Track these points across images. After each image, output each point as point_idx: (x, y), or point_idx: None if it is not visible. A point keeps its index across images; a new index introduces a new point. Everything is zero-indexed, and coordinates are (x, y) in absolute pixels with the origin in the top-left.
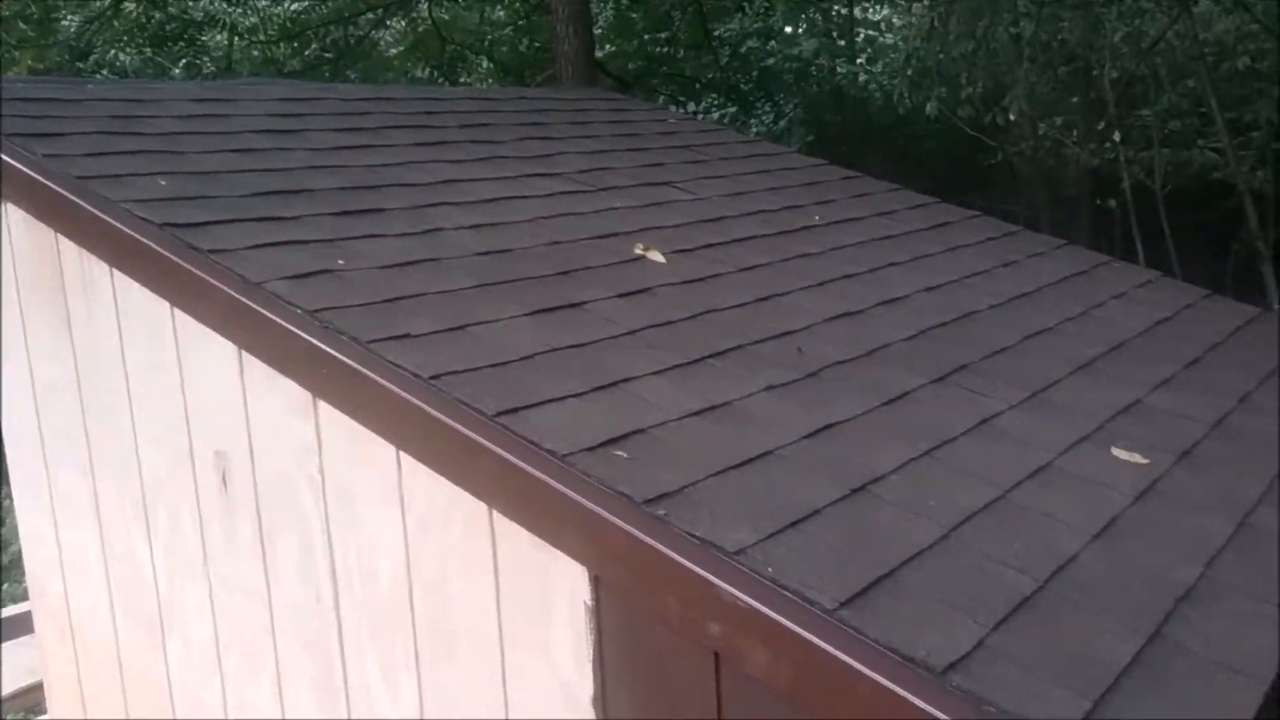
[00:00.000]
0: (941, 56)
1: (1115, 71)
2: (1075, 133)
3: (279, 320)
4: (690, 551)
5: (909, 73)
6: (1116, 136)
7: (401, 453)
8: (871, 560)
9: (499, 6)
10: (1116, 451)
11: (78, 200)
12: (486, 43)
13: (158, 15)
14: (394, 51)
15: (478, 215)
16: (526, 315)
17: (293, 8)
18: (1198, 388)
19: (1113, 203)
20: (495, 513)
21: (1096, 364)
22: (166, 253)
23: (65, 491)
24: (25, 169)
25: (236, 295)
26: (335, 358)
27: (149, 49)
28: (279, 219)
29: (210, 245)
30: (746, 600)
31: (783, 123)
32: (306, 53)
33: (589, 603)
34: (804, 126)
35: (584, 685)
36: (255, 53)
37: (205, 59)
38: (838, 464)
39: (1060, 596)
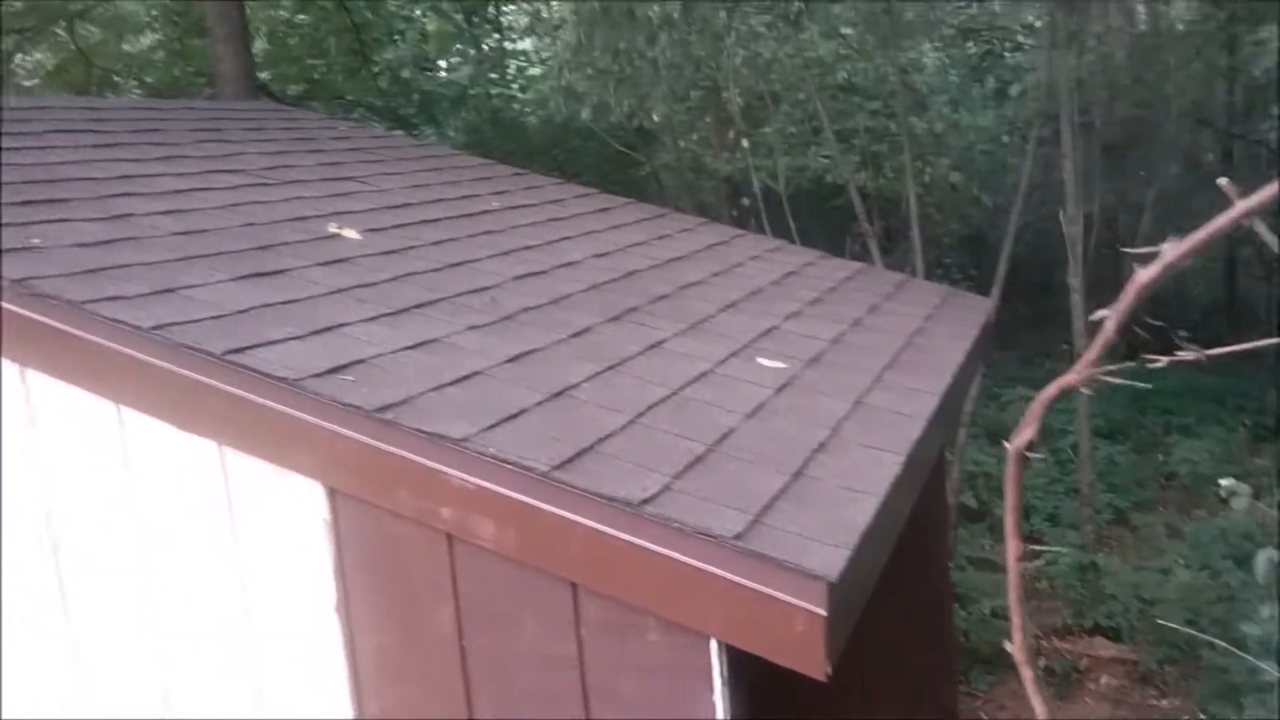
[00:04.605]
0: (590, 71)
1: (740, 93)
2: (710, 146)
3: None
4: (418, 447)
5: (563, 83)
6: (745, 144)
7: (123, 408)
8: (574, 439)
9: (149, 31)
10: (761, 360)
11: None
12: (136, 67)
13: None
14: (31, 84)
15: (168, 204)
16: (234, 280)
17: None
18: (820, 317)
19: (746, 201)
20: (226, 450)
21: (740, 304)
22: None
23: None
24: None
25: None
26: (44, 323)
27: None
28: None
29: None
30: (473, 480)
31: (446, 146)
32: None
33: (327, 517)
34: (466, 149)
35: (327, 595)
36: None
37: None
38: (537, 379)
39: (724, 455)
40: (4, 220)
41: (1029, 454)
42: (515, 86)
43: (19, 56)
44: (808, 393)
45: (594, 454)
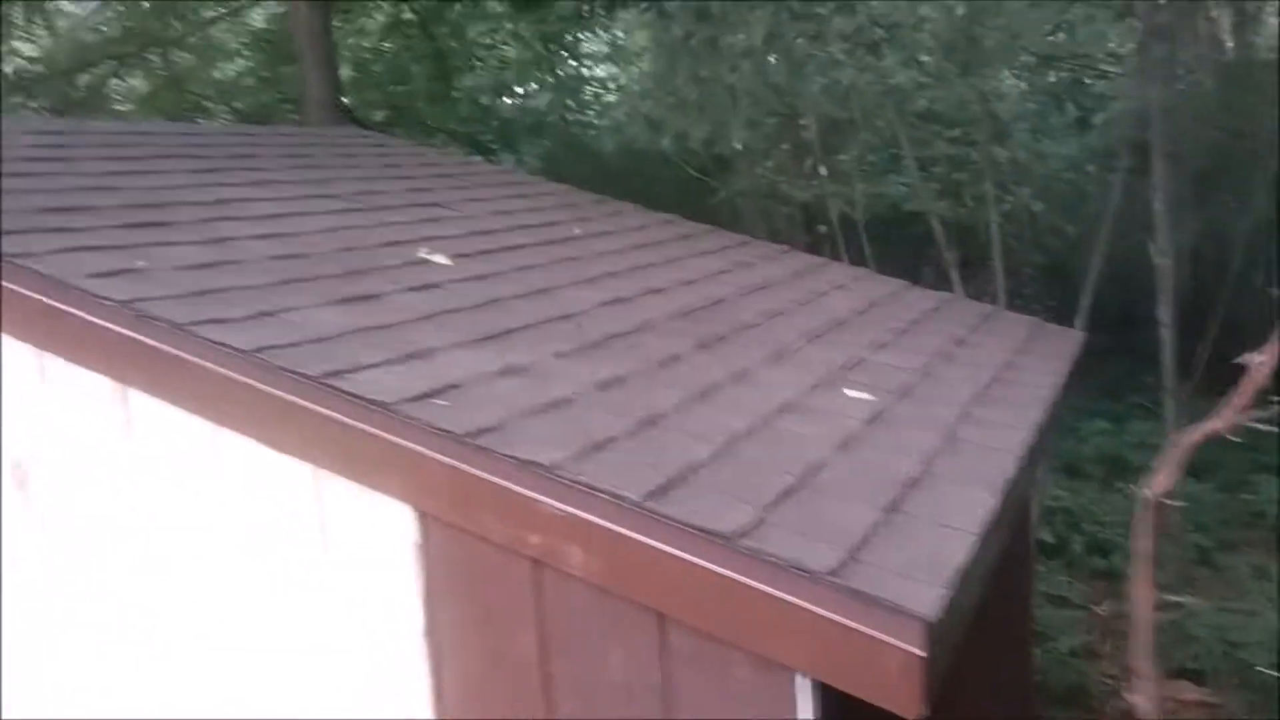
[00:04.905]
0: (670, 100)
1: (817, 119)
2: (786, 173)
3: (85, 314)
4: (510, 473)
5: (644, 111)
6: (823, 171)
7: (221, 429)
8: (665, 468)
9: (239, 58)
10: (848, 391)
11: None
12: (227, 93)
13: None
14: (125, 107)
15: (265, 228)
16: (330, 304)
17: (18, 62)
18: (906, 349)
19: (823, 228)
20: (320, 472)
21: (825, 333)
22: None
23: None
24: None
25: (40, 295)
26: (150, 345)
27: None
28: (69, 230)
29: (10, 250)
30: (564, 508)
31: (522, 171)
32: (35, 105)
33: (417, 540)
34: (542, 174)
35: (414, 620)
36: None
37: None
38: (625, 406)
39: (815, 488)
40: (111, 243)
41: (1167, 500)
42: (590, 113)
43: (113, 81)
44: (897, 426)
45: (684, 484)
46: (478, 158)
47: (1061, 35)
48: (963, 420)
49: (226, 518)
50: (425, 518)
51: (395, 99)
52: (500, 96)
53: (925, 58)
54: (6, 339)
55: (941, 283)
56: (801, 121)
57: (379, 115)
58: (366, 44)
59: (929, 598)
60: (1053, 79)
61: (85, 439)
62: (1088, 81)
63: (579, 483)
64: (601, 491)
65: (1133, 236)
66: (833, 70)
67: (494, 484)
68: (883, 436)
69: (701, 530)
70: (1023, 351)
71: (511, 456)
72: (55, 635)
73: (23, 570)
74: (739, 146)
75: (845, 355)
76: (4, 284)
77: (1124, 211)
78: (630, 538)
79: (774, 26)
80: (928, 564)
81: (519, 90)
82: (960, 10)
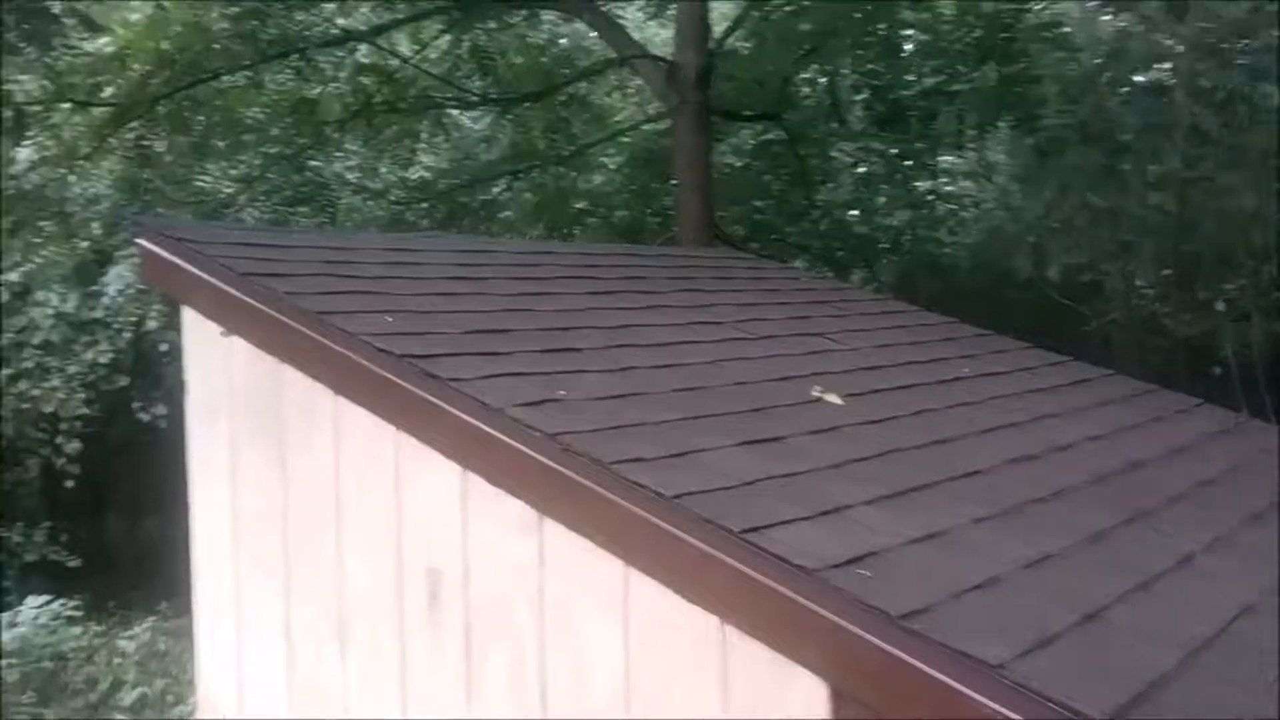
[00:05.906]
0: (1057, 226)
1: (1208, 247)
2: (1169, 303)
3: (513, 442)
4: (945, 665)
5: (1030, 239)
6: (1220, 306)
7: (630, 568)
8: (1123, 679)
9: (618, 174)
10: None
11: (315, 334)
12: (603, 208)
13: (295, 178)
14: (506, 215)
15: (663, 356)
16: (736, 446)
17: (421, 173)
18: None
19: (1218, 370)
20: (727, 626)
21: (1268, 515)
22: (404, 381)
23: (255, 616)
24: (261, 304)
25: (473, 420)
26: (573, 479)
27: (283, 208)
28: (495, 354)
29: (447, 374)
30: (1008, 714)
31: (873, 286)
32: (435, 213)
33: (827, 718)
34: (896, 292)
35: None
36: (381, 213)
37: (332, 218)
38: (1061, 591)
39: None
40: (531, 369)
41: None
42: (945, 230)
43: (502, 193)
44: None
45: (1149, 702)
46: (828, 273)
47: None
48: None
49: (628, 656)
50: (839, 696)
51: (755, 214)
52: (854, 212)
53: None
54: (437, 456)
55: None
56: (1184, 247)
57: (740, 230)
58: (736, 162)
59: None
60: None
61: (499, 559)
62: None
63: (1028, 688)
64: (1054, 702)
65: None
66: (1226, 197)
67: (923, 673)
68: None
69: None
70: None
71: (948, 647)
72: None
73: (426, 677)
74: (1141, 283)
75: None
76: (439, 405)
77: None
78: None
79: (1187, 152)
80: None
81: (874, 205)
82: None
